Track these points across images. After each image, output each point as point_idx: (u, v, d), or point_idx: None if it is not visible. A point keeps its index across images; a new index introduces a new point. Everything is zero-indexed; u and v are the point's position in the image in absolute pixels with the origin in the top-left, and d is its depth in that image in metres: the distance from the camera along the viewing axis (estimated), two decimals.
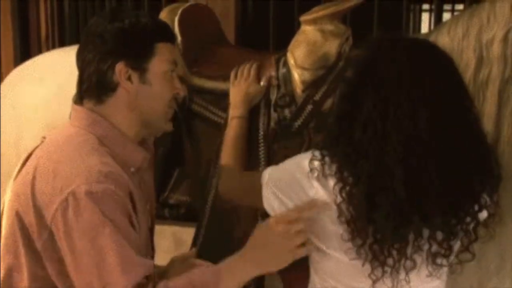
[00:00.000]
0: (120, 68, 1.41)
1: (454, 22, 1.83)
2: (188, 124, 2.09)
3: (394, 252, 1.34)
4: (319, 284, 1.50)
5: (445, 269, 1.45)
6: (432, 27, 3.90)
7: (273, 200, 1.49)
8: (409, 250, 1.34)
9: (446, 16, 4.29)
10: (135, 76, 1.43)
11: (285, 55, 2.02)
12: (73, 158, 1.35)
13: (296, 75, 1.97)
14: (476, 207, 1.37)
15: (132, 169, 1.46)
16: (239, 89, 1.97)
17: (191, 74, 2.11)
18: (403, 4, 2.73)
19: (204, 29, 2.27)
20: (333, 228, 1.38)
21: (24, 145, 2.20)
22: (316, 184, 1.39)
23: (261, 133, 1.97)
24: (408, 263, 1.36)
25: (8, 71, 3.03)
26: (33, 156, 1.44)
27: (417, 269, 1.38)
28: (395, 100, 1.30)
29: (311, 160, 1.40)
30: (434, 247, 1.36)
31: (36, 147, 1.47)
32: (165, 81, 1.47)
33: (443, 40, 1.77)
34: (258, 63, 2.01)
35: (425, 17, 6.00)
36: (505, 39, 1.73)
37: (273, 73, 2.00)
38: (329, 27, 1.97)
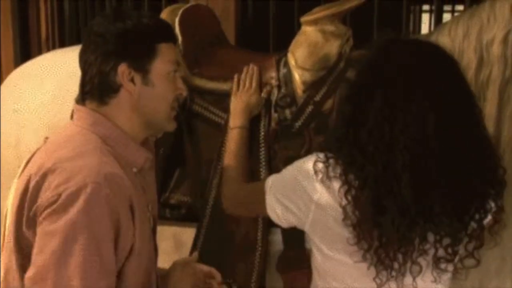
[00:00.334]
0: (122, 69, 1.41)
1: (454, 23, 1.84)
2: (189, 124, 2.09)
3: (400, 256, 1.33)
4: (321, 285, 1.50)
5: (449, 274, 1.44)
6: (432, 28, 3.90)
7: (276, 206, 1.48)
8: (414, 254, 1.34)
9: (446, 17, 4.29)
10: (137, 78, 1.43)
11: (285, 55, 2.02)
12: (73, 157, 1.34)
13: (297, 75, 1.97)
14: (482, 212, 1.36)
15: (135, 170, 1.45)
16: (240, 99, 1.96)
17: (192, 74, 2.10)
18: (403, 4, 2.73)
19: (205, 29, 2.27)
20: (338, 230, 1.38)
21: (24, 146, 2.20)
22: (320, 186, 1.38)
23: (262, 133, 1.97)
24: (414, 267, 1.35)
25: (8, 71, 3.03)
26: (35, 155, 1.43)
27: (422, 274, 1.37)
28: (402, 103, 1.29)
29: (315, 162, 1.39)
30: (439, 252, 1.35)
31: (39, 148, 1.47)
32: (168, 82, 1.46)
33: (444, 41, 1.77)
34: (259, 72, 2.01)
35: (425, 18, 6.01)
36: (505, 40, 1.73)
37: (274, 74, 2.01)
38: (329, 27, 1.97)
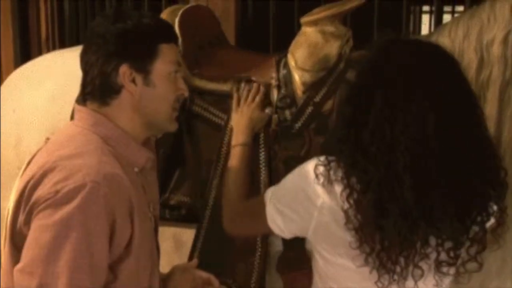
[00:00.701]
0: (124, 70, 1.41)
1: (455, 24, 1.84)
2: (189, 125, 2.08)
3: (402, 260, 1.32)
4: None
5: (451, 277, 1.43)
6: (432, 28, 3.90)
7: (277, 217, 1.47)
8: (416, 258, 1.33)
9: (446, 17, 4.29)
10: (139, 78, 1.43)
11: (285, 56, 2.02)
12: (73, 156, 1.34)
13: (297, 76, 1.97)
14: (484, 215, 1.35)
15: (136, 170, 1.45)
16: (241, 115, 1.92)
17: (192, 75, 2.10)
18: (403, 5, 2.73)
19: (205, 30, 2.27)
20: (340, 234, 1.36)
21: (24, 146, 2.20)
22: (322, 190, 1.37)
23: (262, 134, 1.97)
24: (415, 271, 1.34)
25: (8, 71, 3.03)
26: (36, 156, 1.43)
27: (424, 278, 1.36)
28: (402, 103, 1.29)
29: (316, 166, 1.38)
30: (441, 256, 1.34)
31: (40, 148, 1.47)
32: (169, 83, 1.46)
33: (444, 42, 1.77)
34: (263, 89, 1.97)
35: (425, 18, 6.01)
36: (505, 40, 1.73)
37: (274, 75, 2.00)
38: (329, 28, 1.97)
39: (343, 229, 1.35)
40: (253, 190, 1.86)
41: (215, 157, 2.01)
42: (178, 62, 1.49)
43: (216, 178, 1.99)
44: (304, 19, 2.01)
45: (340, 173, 1.35)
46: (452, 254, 1.34)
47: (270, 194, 1.51)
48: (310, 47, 1.97)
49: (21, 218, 1.34)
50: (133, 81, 1.42)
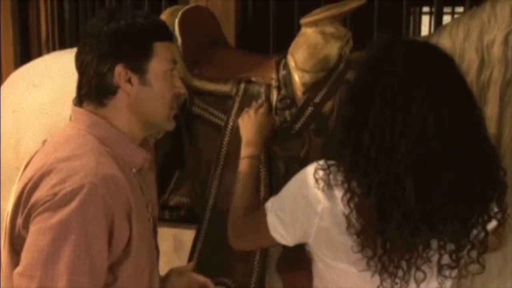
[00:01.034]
0: (119, 70, 1.40)
1: (455, 24, 1.84)
2: (189, 126, 2.08)
3: (404, 263, 1.32)
4: None
5: (453, 280, 1.43)
6: (432, 29, 3.90)
7: (278, 226, 1.46)
8: (418, 261, 1.32)
9: (446, 18, 4.28)
10: (135, 78, 1.42)
11: (285, 57, 2.02)
12: (70, 158, 1.34)
13: (297, 77, 1.97)
14: (485, 216, 1.35)
15: (134, 170, 1.45)
16: (252, 124, 1.86)
17: (192, 76, 2.10)
18: (403, 6, 2.73)
19: (205, 31, 2.27)
20: (341, 239, 1.36)
21: (24, 146, 2.20)
22: (322, 195, 1.36)
23: None
24: (418, 274, 1.34)
25: (8, 72, 3.03)
26: (34, 158, 1.43)
27: (426, 281, 1.36)
28: (402, 104, 1.28)
29: (316, 170, 1.37)
30: (443, 258, 1.34)
31: (38, 150, 1.47)
32: (165, 81, 1.45)
33: (445, 42, 1.77)
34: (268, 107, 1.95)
35: (425, 19, 6.01)
36: (505, 41, 1.73)
37: (274, 75, 2.00)
38: (329, 29, 1.97)
39: (344, 233, 1.34)
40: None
41: (215, 158, 2.01)
42: (174, 60, 1.48)
43: (216, 179, 1.99)
44: (304, 20, 2.01)
45: (340, 177, 1.34)
46: (454, 256, 1.34)
47: (271, 204, 1.50)
48: (310, 48, 1.97)
49: (19, 221, 1.34)
50: (129, 81, 1.41)
